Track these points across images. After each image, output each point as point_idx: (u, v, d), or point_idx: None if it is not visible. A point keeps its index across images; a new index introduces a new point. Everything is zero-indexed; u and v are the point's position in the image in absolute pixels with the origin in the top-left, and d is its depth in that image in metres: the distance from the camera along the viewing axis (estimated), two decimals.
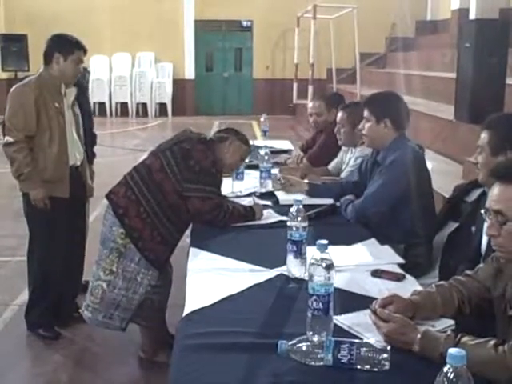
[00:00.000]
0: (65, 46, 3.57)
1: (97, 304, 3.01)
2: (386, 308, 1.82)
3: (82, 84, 4.13)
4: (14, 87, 3.58)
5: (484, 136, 2.37)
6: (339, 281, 2.06)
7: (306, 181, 3.57)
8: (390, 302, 1.85)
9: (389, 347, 1.63)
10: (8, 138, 3.49)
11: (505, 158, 2.26)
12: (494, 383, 1.58)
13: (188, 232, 3.12)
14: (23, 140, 3.47)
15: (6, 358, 3.47)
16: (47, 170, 3.53)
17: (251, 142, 3.35)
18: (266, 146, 3.91)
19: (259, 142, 5.28)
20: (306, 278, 1.87)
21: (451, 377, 1.21)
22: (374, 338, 1.72)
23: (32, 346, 3.61)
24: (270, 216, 3.08)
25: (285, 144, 5.60)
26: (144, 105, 15.45)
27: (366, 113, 3.12)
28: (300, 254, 2.25)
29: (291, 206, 2.30)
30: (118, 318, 3.00)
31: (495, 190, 1.76)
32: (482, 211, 1.80)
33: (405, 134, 3.12)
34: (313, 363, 1.62)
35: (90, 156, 4.10)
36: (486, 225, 1.81)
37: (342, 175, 3.81)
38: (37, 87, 3.50)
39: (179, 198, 2.94)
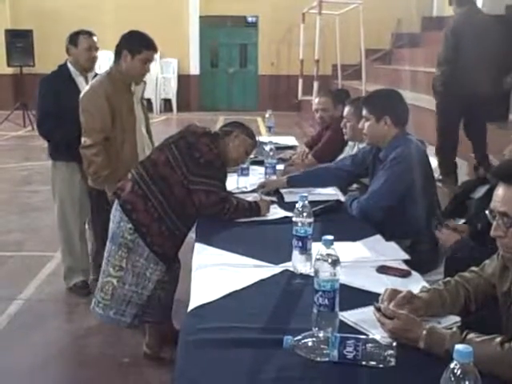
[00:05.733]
0: (133, 45, 3.51)
1: (108, 300, 3.02)
2: (399, 306, 1.81)
3: None
4: (85, 92, 3.56)
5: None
6: (345, 277, 2.05)
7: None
8: (408, 300, 1.83)
9: (394, 343, 1.63)
10: (86, 140, 3.47)
11: (507, 159, 2.23)
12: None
13: (193, 227, 3.12)
14: (101, 142, 3.46)
15: (10, 352, 3.48)
16: (119, 170, 3.44)
17: (256, 138, 3.34)
18: (271, 142, 3.91)
19: (264, 137, 5.26)
20: (312, 274, 1.86)
21: (458, 373, 1.20)
22: (379, 335, 1.71)
23: (36, 341, 3.61)
24: (275, 212, 3.08)
25: (290, 140, 5.60)
26: (149, 100, 15.39)
27: (364, 112, 3.12)
28: (305, 250, 2.25)
29: (296, 202, 2.30)
30: (129, 314, 3.01)
31: (500, 191, 1.73)
32: (487, 212, 1.78)
33: (405, 130, 3.12)
34: (318, 359, 1.62)
35: None
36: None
37: None
38: (108, 86, 3.48)
39: (185, 192, 2.93)
